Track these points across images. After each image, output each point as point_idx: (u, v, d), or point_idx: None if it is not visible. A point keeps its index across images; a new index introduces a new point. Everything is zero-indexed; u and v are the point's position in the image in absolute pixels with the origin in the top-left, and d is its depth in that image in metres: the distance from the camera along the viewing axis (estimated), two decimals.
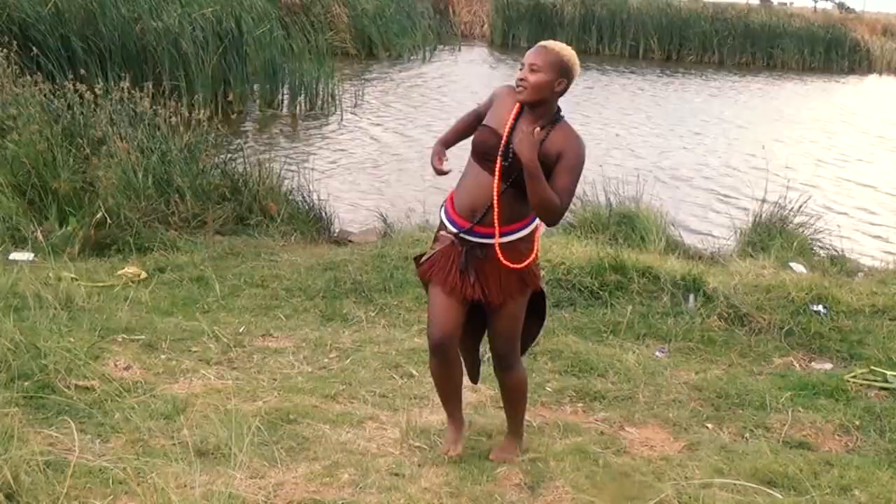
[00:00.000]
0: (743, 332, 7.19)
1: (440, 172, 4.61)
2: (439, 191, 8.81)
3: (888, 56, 38.27)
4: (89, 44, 15.06)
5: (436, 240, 4.65)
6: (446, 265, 4.52)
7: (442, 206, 4.66)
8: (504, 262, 4.44)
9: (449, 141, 4.78)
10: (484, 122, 4.54)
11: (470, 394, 5.63)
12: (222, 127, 11.44)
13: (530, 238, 4.55)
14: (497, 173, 4.37)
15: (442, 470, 4.65)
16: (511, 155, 4.33)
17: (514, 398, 4.91)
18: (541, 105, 4.43)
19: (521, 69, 4.42)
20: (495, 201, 4.37)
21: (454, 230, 4.50)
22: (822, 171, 16.63)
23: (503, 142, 4.39)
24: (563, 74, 4.41)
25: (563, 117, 4.52)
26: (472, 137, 4.57)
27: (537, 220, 4.53)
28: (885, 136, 21.46)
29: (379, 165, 14.52)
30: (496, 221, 4.38)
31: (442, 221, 4.61)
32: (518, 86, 4.40)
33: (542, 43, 4.51)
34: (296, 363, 6.07)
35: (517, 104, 4.47)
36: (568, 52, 4.46)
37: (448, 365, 4.69)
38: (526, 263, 4.52)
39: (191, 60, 16.06)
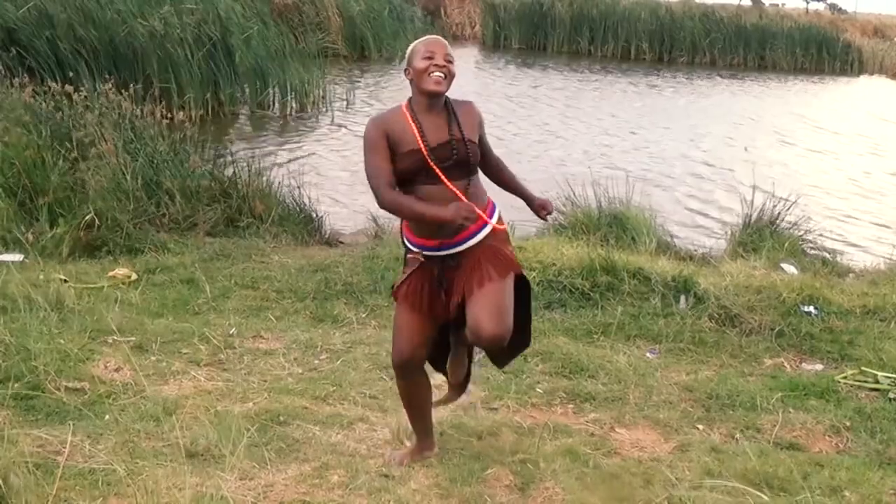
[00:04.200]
0: (734, 333, 7.20)
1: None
2: None
3: (879, 57, 38.38)
4: (77, 46, 15.03)
5: (406, 264, 4.52)
6: (415, 283, 4.41)
7: (401, 233, 4.52)
8: (495, 244, 4.35)
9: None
10: (398, 153, 4.28)
11: (461, 397, 5.62)
12: (212, 128, 11.44)
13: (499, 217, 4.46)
14: (444, 180, 4.23)
15: (432, 471, 4.65)
16: (452, 155, 4.26)
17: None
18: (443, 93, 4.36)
19: (429, 57, 4.26)
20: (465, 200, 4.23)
21: (426, 252, 4.38)
22: (814, 172, 16.67)
23: (424, 151, 4.24)
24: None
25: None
26: (398, 172, 4.29)
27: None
28: (876, 137, 21.49)
29: None
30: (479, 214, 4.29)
31: (408, 248, 4.47)
32: (437, 74, 4.25)
33: (434, 36, 4.49)
34: (286, 365, 6.07)
35: (406, 114, 4.34)
36: None
37: (415, 384, 4.61)
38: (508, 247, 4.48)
39: (178, 62, 16.03)
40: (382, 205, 4.30)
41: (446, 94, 4.36)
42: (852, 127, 22.70)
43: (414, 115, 4.33)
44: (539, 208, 4.62)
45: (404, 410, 4.80)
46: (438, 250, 4.34)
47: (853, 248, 11.41)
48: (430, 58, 4.27)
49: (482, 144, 4.49)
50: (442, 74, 4.26)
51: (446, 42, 4.41)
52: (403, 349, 4.46)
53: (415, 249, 4.41)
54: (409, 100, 4.41)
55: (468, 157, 4.30)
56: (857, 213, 13.86)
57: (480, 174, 4.51)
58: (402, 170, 4.27)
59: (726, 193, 13.82)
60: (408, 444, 4.91)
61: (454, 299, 4.32)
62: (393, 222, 9.89)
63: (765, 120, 22.42)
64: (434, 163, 4.23)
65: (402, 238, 4.51)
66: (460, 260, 4.33)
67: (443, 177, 4.23)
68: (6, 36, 14.19)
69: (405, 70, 4.42)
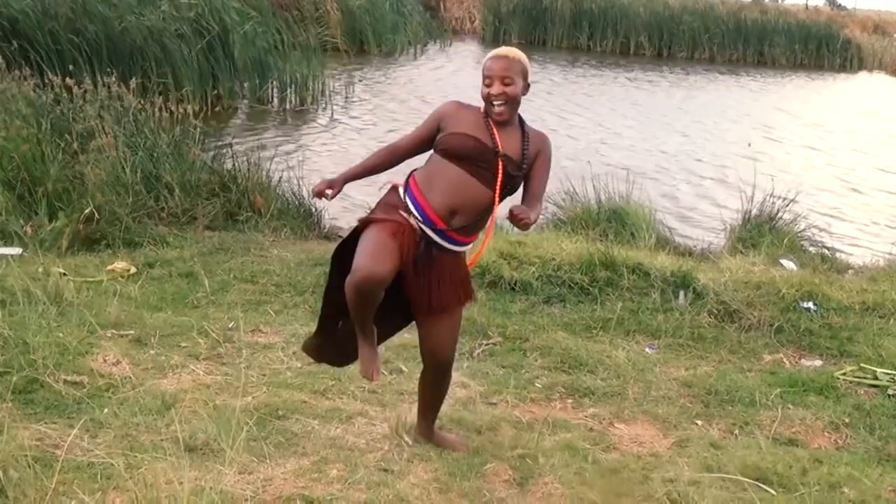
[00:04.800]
0: (733, 328, 7.20)
1: (320, 196, 4.47)
2: None
3: (879, 53, 38.38)
4: (77, 39, 15.01)
5: (382, 207, 4.41)
6: (398, 225, 4.24)
7: (402, 185, 4.40)
8: (467, 264, 4.49)
9: (355, 176, 4.54)
10: (453, 131, 4.30)
11: (459, 390, 5.63)
12: (211, 122, 11.43)
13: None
14: (498, 188, 4.25)
15: (431, 466, 4.65)
16: (516, 173, 4.29)
17: (441, 396, 4.84)
18: (514, 116, 4.39)
19: (487, 84, 4.27)
20: (495, 212, 4.36)
21: (420, 219, 4.27)
22: (813, 168, 16.67)
23: (498, 156, 4.26)
24: (526, 79, 4.39)
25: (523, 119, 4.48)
26: (442, 143, 4.31)
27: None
28: (874, 133, 21.50)
29: None
30: (488, 230, 4.40)
31: (405, 203, 4.33)
32: (496, 101, 4.26)
33: (502, 52, 4.41)
34: (285, 359, 6.06)
35: (483, 117, 4.34)
36: (524, 55, 4.45)
37: (368, 303, 4.23)
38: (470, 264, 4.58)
39: (177, 56, 16.01)
40: (384, 147, 4.57)
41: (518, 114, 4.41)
42: (850, 124, 22.70)
43: (490, 123, 4.32)
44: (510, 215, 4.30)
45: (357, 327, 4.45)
46: (437, 233, 4.29)
47: (852, 244, 11.42)
48: (489, 84, 4.27)
49: (528, 181, 4.39)
50: (502, 102, 4.26)
51: (510, 55, 4.36)
52: (374, 264, 4.09)
53: (415, 213, 4.29)
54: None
55: (515, 184, 4.34)
56: (857, 209, 13.87)
57: None
58: (467, 147, 4.27)
59: (725, 189, 13.82)
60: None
61: (420, 286, 4.35)
62: None
63: (762, 116, 22.40)
64: (500, 170, 4.25)
65: (405, 193, 4.35)
66: (437, 258, 4.33)
67: (499, 187, 4.25)
68: (8, 29, 14.15)
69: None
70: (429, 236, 4.29)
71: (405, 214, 4.29)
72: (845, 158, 18.09)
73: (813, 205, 12.64)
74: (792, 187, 10.90)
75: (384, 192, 4.49)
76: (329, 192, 4.45)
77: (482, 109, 4.36)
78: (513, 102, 4.29)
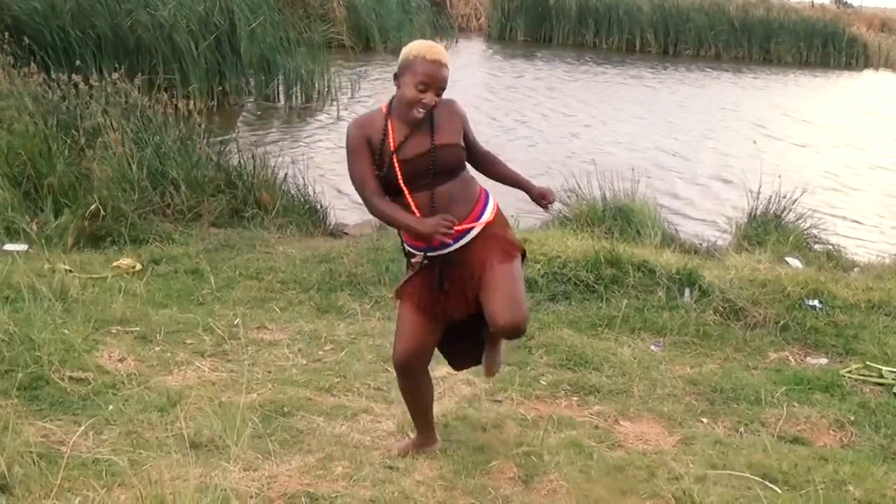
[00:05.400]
0: (738, 326, 7.19)
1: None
2: None
3: (885, 51, 38.29)
4: (84, 36, 15.02)
5: (409, 267, 4.49)
6: (418, 285, 4.38)
7: (399, 238, 4.49)
8: (495, 231, 4.35)
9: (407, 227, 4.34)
10: (379, 161, 4.26)
11: (464, 387, 5.64)
12: (218, 119, 11.43)
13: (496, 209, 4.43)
14: (414, 192, 4.22)
15: (436, 463, 4.65)
16: (431, 166, 4.22)
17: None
18: None
19: (422, 89, 4.16)
20: (446, 197, 4.25)
21: (425, 255, 4.33)
22: (819, 166, 16.64)
23: (397, 166, 4.22)
24: None
25: None
26: (381, 180, 4.26)
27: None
28: (877, 132, 21.46)
29: None
30: (464, 208, 4.28)
31: (407, 251, 4.45)
32: (420, 108, 4.18)
33: (442, 57, 4.24)
34: (290, 356, 6.07)
35: (386, 121, 4.29)
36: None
37: (416, 383, 4.59)
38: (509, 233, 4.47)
39: (184, 53, 16.02)
40: (372, 213, 4.36)
41: None
42: (853, 122, 22.66)
43: (394, 124, 4.28)
44: (539, 197, 4.53)
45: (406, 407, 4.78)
46: (438, 249, 4.28)
47: (858, 242, 11.40)
48: (423, 91, 4.17)
49: (468, 142, 4.42)
50: (422, 110, 4.20)
51: (446, 61, 4.24)
52: (406, 350, 4.43)
53: (416, 252, 4.37)
54: (391, 101, 4.35)
55: (450, 164, 4.27)
56: (863, 207, 13.84)
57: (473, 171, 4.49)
58: (383, 183, 4.25)
59: (731, 187, 13.78)
60: (412, 435, 4.91)
61: (469, 293, 4.29)
62: None
63: (766, 114, 22.35)
64: (407, 176, 4.21)
65: (401, 242, 4.48)
66: (463, 255, 4.29)
67: (406, 193, 4.22)
68: (16, 26, 14.17)
69: (395, 75, 4.29)
70: (437, 256, 4.31)
71: (414, 260, 4.40)
72: (850, 156, 18.04)
73: (819, 203, 12.61)
74: (797, 185, 10.87)
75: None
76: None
77: (383, 108, 4.36)
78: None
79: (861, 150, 18.84)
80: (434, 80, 4.17)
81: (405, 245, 4.45)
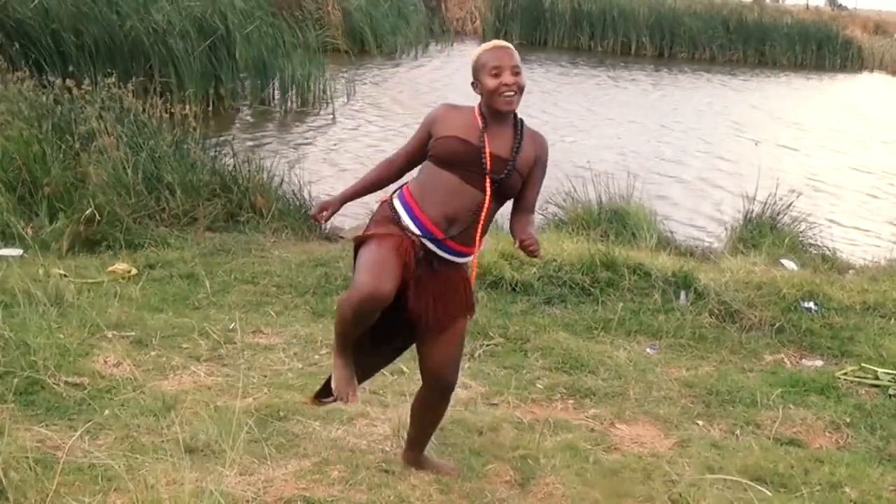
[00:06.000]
0: (734, 328, 7.20)
1: (317, 221, 4.47)
2: None
3: (879, 53, 38.38)
4: (78, 40, 15.02)
5: (376, 223, 4.23)
6: (397, 241, 4.05)
7: (396, 198, 4.24)
8: (469, 277, 4.28)
9: (355, 194, 4.45)
10: (441, 136, 4.13)
11: (461, 391, 5.63)
12: (213, 123, 11.43)
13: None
14: (488, 191, 4.07)
15: None
16: (504, 174, 4.08)
17: (436, 421, 4.61)
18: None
19: (495, 73, 4.05)
20: (482, 218, 4.11)
21: (418, 232, 4.09)
22: (814, 168, 16.67)
23: (487, 156, 4.07)
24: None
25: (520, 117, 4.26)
26: (431, 149, 4.15)
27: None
28: (875, 133, 21.50)
29: (370, 162, 14.49)
30: (477, 237, 4.14)
31: (399, 217, 4.15)
32: (506, 93, 4.04)
33: (502, 44, 4.20)
34: (286, 360, 6.07)
35: (477, 118, 4.14)
36: None
37: (362, 323, 4.06)
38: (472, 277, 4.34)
39: (180, 57, 16.02)
40: (385, 160, 4.44)
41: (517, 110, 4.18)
42: (850, 124, 22.70)
43: (485, 123, 4.12)
44: (520, 244, 4.21)
45: (334, 344, 4.36)
46: (435, 243, 4.11)
47: (853, 244, 11.42)
48: (497, 75, 4.05)
49: (526, 184, 4.22)
50: (513, 93, 4.06)
51: (511, 48, 4.16)
52: (373, 283, 3.91)
53: (412, 227, 4.11)
54: (480, 105, 4.18)
55: (506, 188, 4.13)
56: (858, 210, 13.87)
57: None
58: (454, 151, 4.10)
59: (726, 189, 13.81)
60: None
61: (415, 307, 4.14)
62: None
63: (769, 116, 22.41)
64: (488, 172, 4.07)
65: (399, 204, 4.20)
66: (438, 271, 4.15)
67: (489, 188, 4.07)
68: (11, 30, 14.16)
69: (472, 84, 4.17)
70: (429, 249, 4.12)
71: (403, 228, 4.14)
72: (846, 159, 18.09)
73: (814, 205, 12.63)
74: (793, 187, 10.90)
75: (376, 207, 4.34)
76: (325, 213, 4.39)
77: (476, 108, 4.19)
78: (520, 94, 4.11)
79: (852, 153, 18.87)
80: (503, 61, 4.07)
81: (403, 213, 4.16)
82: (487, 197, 4.09)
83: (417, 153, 4.29)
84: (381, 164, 4.46)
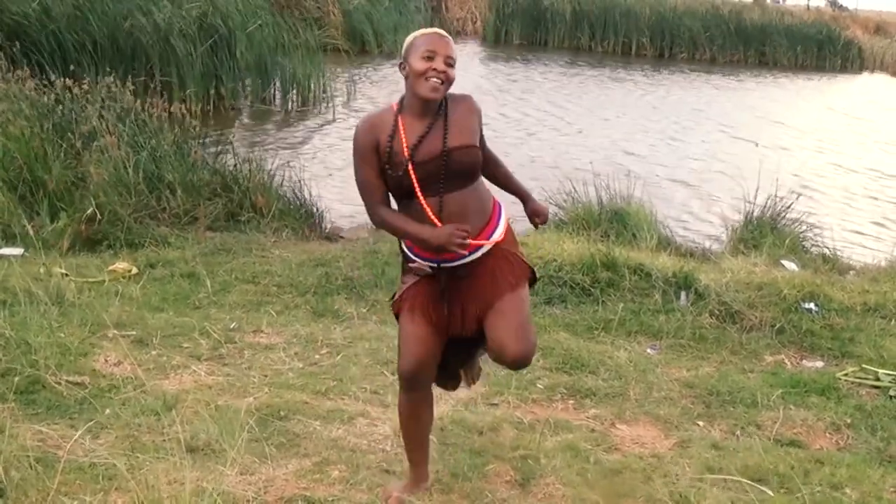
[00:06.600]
0: (734, 329, 7.20)
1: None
2: None
3: (880, 54, 38.40)
4: (79, 39, 15.02)
5: (404, 272, 4.18)
6: (420, 294, 4.05)
7: (399, 243, 4.17)
8: (505, 249, 4.06)
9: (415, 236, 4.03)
10: (388, 164, 3.94)
11: (460, 390, 5.61)
12: (214, 123, 11.43)
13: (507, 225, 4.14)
14: (425, 197, 3.91)
15: (432, 467, 4.62)
16: (442, 170, 3.89)
17: None
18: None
19: (428, 58, 3.88)
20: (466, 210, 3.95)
21: (432, 266, 4.01)
22: (814, 169, 16.66)
23: (411, 170, 3.89)
24: None
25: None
26: (389, 186, 3.98)
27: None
28: (875, 134, 21.51)
29: None
30: (479, 220, 3.98)
31: (406, 256, 4.11)
32: (434, 80, 3.87)
33: (437, 31, 4.02)
34: (286, 359, 6.07)
35: (397, 119, 3.98)
36: None
37: (420, 402, 4.20)
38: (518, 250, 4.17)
39: (180, 56, 16.03)
40: (374, 223, 4.12)
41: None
42: (851, 125, 22.70)
43: (405, 122, 3.97)
44: (532, 214, 4.33)
45: (402, 440, 4.43)
46: (447, 262, 3.99)
47: (854, 245, 11.41)
48: (429, 59, 3.88)
49: (482, 144, 4.11)
50: (440, 80, 3.88)
51: (449, 38, 4.02)
52: (415, 358, 4.02)
53: (420, 261, 4.05)
54: (402, 99, 4.04)
55: (465, 167, 3.95)
56: (859, 211, 13.86)
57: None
58: (392, 186, 3.97)
59: (727, 190, 13.79)
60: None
61: (470, 312, 4.02)
62: None
63: (769, 117, 22.41)
64: (421, 179, 3.90)
65: (402, 248, 4.15)
66: (471, 269, 4.00)
67: (420, 198, 3.90)
68: (12, 30, 14.16)
69: (400, 64, 3.99)
70: (452, 267, 4.01)
71: (415, 265, 4.07)
72: (845, 160, 18.08)
73: (814, 206, 12.64)
74: (793, 188, 10.90)
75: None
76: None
77: (393, 106, 4.05)
78: (448, 84, 3.94)
79: (853, 154, 18.86)
80: (438, 47, 3.90)
81: (406, 251, 4.13)
82: (427, 209, 3.91)
83: (382, 185, 4.02)
84: (389, 212, 4.06)
